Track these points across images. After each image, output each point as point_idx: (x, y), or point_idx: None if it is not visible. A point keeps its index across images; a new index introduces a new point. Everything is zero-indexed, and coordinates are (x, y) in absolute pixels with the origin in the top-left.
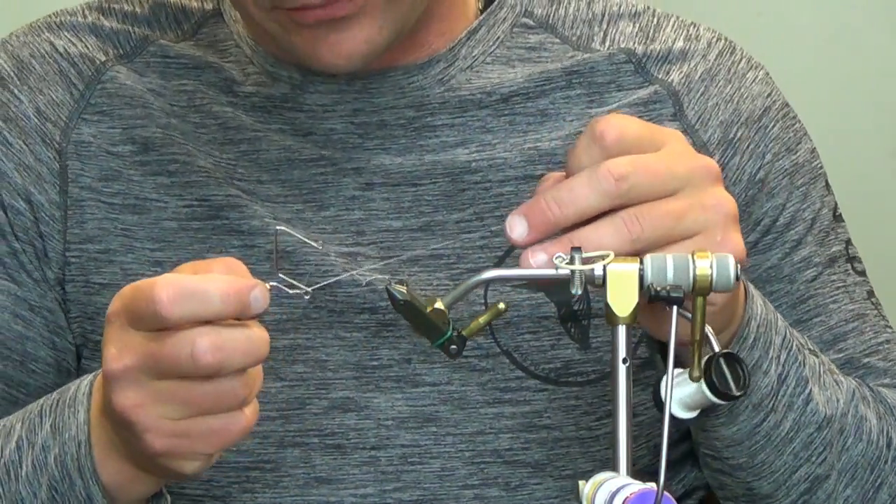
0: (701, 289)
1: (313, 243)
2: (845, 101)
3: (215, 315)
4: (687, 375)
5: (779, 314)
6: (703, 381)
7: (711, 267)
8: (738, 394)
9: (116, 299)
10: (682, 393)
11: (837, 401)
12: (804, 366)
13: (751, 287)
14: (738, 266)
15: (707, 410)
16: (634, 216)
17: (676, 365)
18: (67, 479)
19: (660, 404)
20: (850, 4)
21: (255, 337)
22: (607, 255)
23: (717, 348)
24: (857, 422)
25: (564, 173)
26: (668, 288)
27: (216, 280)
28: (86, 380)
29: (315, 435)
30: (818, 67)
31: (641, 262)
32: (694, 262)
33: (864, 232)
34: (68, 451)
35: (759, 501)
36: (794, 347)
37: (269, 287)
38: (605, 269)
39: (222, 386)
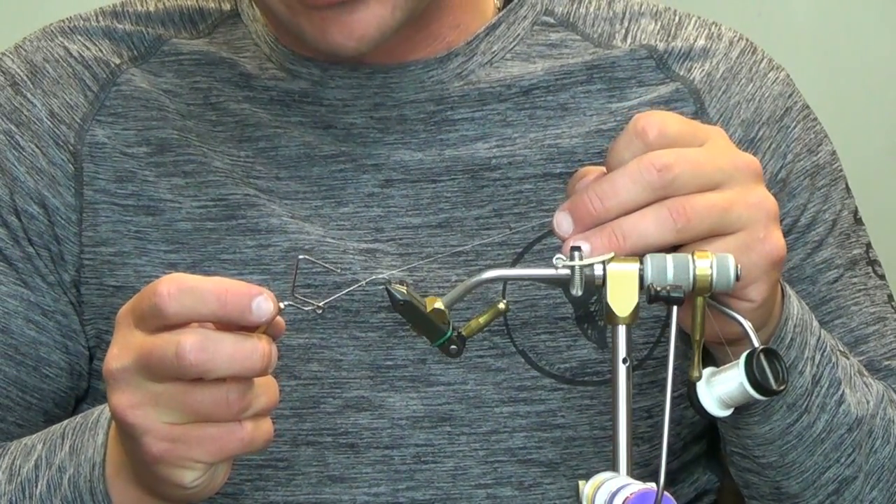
0: (701, 289)
1: (335, 269)
2: (845, 101)
3: (212, 314)
4: (723, 374)
5: (813, 315)
6: (745, 376)
7: (711, 267)
8: (779, 389)
9: (128, 302)
10: (720, 391)
11: (867, 403)
12: (837, 367)
13: (787, 287)
14: (738, 266)
15: (740, 408)
16: (681, 205)
17: (709, 363)
18: (79, 501)
19: (696, 404)
20: (850, 4)
21: (248, 345)
22: (608, 255)
23: (756, 343)
24: (886, 424)
25: (604, 168)
26: (668, 288)
27: (217, 281)
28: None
29: (328, 434)
30: (818, 67)
31: (641, 262)
32: (694, 262)
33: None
34: (82, 473)
35: (787, 501)
36: (828, 348)
37: (282, 306)
38: (605, 269)
39: (215, 393)
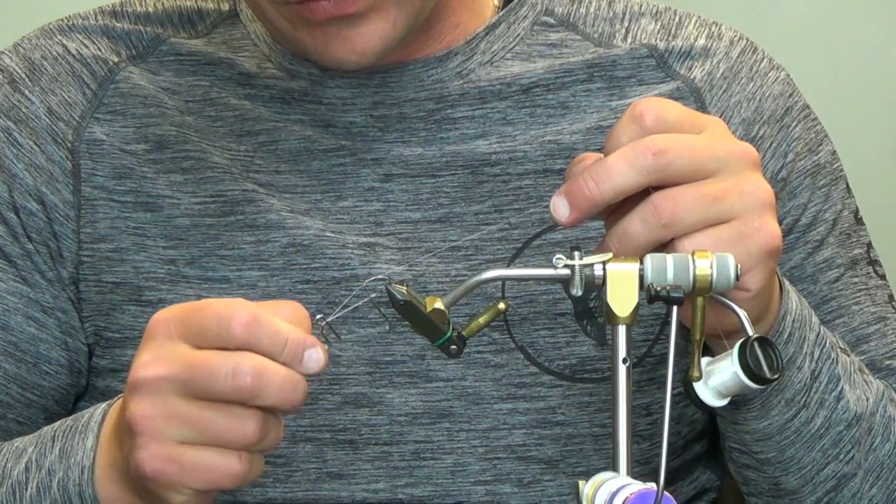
0: (701, 289)
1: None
2: (845, 102)
3: (271, 353)
4: (718, 363)
5: (812, 311)
6: (738, 365)
7: (711, 267)
8: (772, 377)
9: (168, 311)
10: (715, 380)
11: (867, 400)
12: (836, 363)
13: (786, 282)
14: (738, 266)
15: (738, 403)
16: (665, 200)
17: (706, 355)
18: None
19: (691, 394)
20: (850, 4)
21: (295, 379)
22: (607, 255)
23: (750, 332)
24: (886, 422)
25: (602, 153)
26: (668, 288)
27: (281, 324)
28: (100, 407)
29: (327, 430)
30: (818, 68)
31: (641, 262)
32: (694, 261)
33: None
34: (71, 476)
35: (785, 497)
36: (827, 345)
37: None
38: (604, 269)
39: (237, 419)
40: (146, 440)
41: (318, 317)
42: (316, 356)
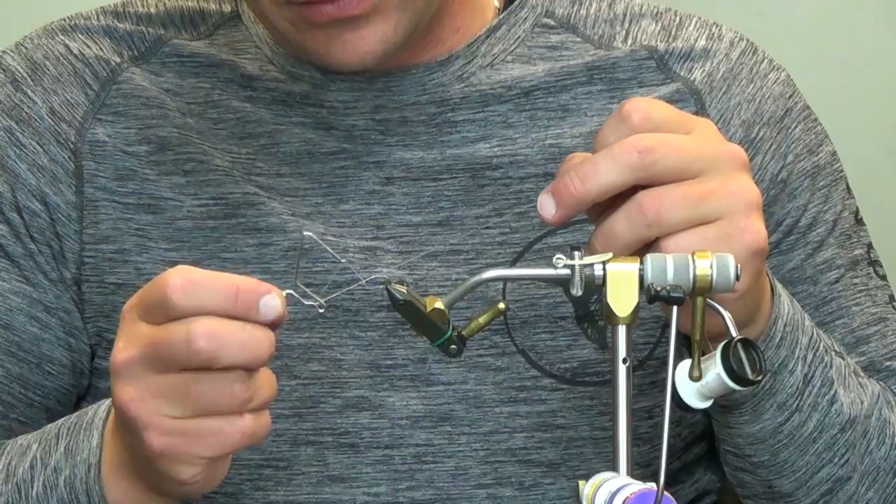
0: (701, 289)
1: (337, 256)
2: (845, 101)
3: (223, 310)
4: (702, 364)
5: (806, 314)
6: (721, 366)
7: (711, 267)
8: (755, 379)
9: (133, 296)
10: (698, 382)
11: (862, 403)
12: (830, 367)
13: (778, 286)
14: (738, 266)
15: (731, 407)
16: (650, 198)
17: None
18: (76, 502)
19: (674, 396)
20: (850, 4)
21: (257, 334)
22: (607, 255)
23: (734, 333)
24: (881, 425)
25: (591, 153)
26: (668, 288)
27: (227, 277)
28: (104, 403)
29: (329, 433)
30: (818, 67)
31: (641, 262)
32: (694, 262)
33: None
34: (78, 474)
35: (780, 500)
36: (821, 348)
37: (284, 294)
38: (604, 269)
39: (220, 383)
40: (145, 420)
41: (287, 292)
42: (273, 303)
